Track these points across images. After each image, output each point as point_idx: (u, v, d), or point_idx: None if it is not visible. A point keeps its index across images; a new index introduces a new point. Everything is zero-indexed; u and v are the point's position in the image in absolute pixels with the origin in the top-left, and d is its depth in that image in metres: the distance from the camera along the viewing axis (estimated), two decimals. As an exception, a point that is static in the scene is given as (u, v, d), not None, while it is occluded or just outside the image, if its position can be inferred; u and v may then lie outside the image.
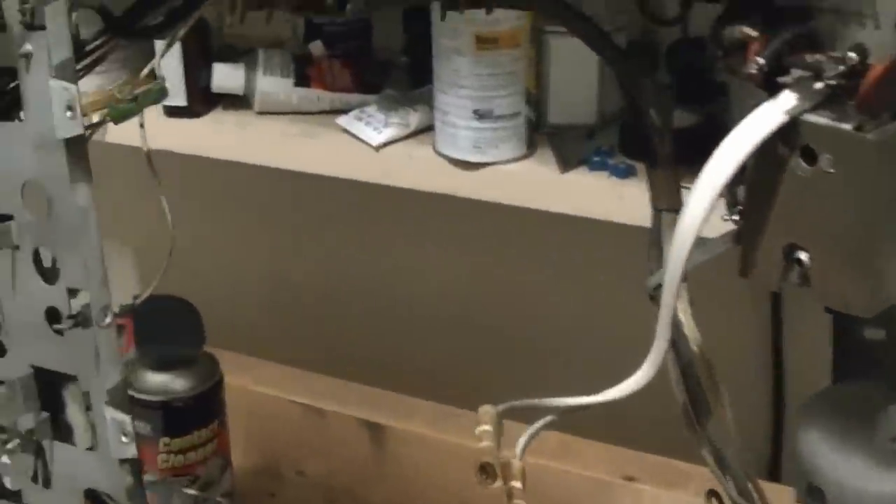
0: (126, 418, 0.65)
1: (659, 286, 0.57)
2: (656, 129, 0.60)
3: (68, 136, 0.59)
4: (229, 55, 1.15)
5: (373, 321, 1.37)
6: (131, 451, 0.65)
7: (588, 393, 0.64)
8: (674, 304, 0.54)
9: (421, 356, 1.34)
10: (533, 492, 1.13)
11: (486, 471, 0.63)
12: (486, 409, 0.66)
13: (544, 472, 1.13)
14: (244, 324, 1.36)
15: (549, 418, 0.66)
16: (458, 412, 1.22)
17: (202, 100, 1.12)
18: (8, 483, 0.77)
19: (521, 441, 0.66)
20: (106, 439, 0.67)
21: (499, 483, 0.63)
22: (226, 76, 1.10)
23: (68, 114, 0.59)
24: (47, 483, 0.73)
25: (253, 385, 1.27)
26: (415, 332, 1.35)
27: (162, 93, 0.61)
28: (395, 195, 1.05)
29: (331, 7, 0.54)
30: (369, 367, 1.31)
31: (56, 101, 0.59)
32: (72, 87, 0.59)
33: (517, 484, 0.63)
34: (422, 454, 1.15)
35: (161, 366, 1.02)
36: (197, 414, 1.03)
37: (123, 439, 0.65)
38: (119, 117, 0.61)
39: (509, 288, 1.27)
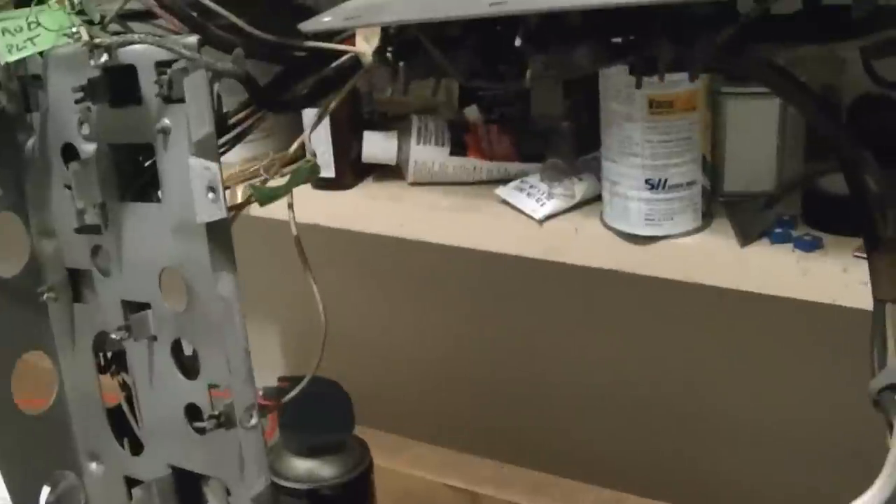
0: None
1: (885, 388, 0.50)
2: (878, 208, 0.52)
3: (210, 219, 0.54)
4: (379, 123, 1.09)
5: (533, 401, 1.32)
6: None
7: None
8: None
9: (585, 437, 1.28)
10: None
11: None
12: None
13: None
14: (395, 403, 1.32)
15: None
16: (622, 498, 1.16)
17: (352, 171, 1.06)
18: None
19: None
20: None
21: None
22: (377, 146, 1.05)
23: (210, 196, 0.54)
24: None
25: (404, 467, 1.24)
26: (578, 412, 1.29)
27: (314, 171, 0.56)
28: (559, 270, 0.98)
29: (509, 74, 0.47)
30: (528, 449, 1.26)
31: (196, 181, 0.54)
32: (213, 165, 0.53)
33: None
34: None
35: (308, 451, 0.99)
36: (346, 502, 0.98)
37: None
38: (266, 200, 0.55)
39: (683, 369, 1.20)
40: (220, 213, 0.53)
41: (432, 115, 1.08)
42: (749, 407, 1.18)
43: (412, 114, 1.06)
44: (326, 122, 1.01)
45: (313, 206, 1.04)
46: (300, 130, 0.77)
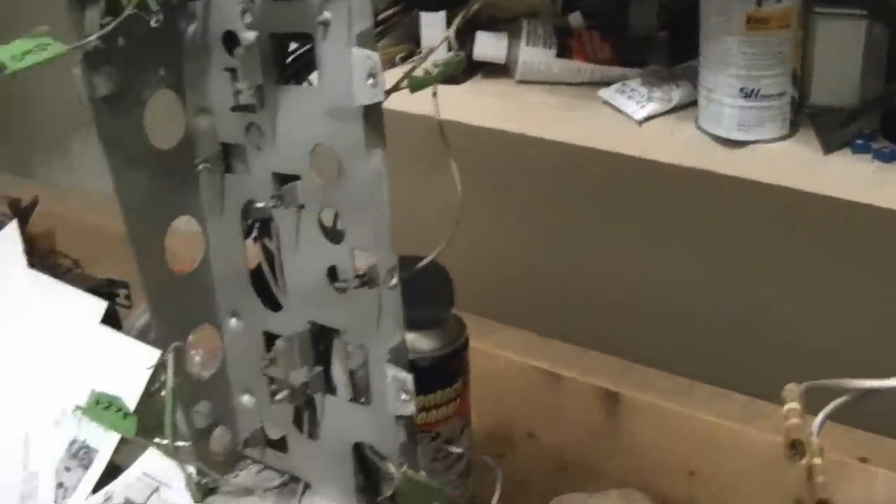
0: (407, 377, 0.67)
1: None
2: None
3: (368, 102, 0.61)
4: (490, 25, 1.15)
5: (621, 295, 1.37)
6: (410, 409, 0.67)
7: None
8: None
9: (663, 330, 1.33)
10: (771, 468, 1.13)
11: (795, 447, 0.64)
12: (791, 388, 0.67)
13: (781, 449, 1.12)
14: (492, 290, 1.37)
15: (842, 399, 0.66)
16: (695, 385, 1.22)
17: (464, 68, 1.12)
18: (272, 433, 0.80)
19: (818, 419, 0.68)
20: (380, 395, 0.69)
21: (806, 460, 0.63)
22: (488, 45, 1.11)
23: (370, 81, 0.60)
24: (314, 435, 0.76)
25: (494, 348, 1.29)
26: (662, 308, 1.34)
27: (461, 64, 0.63)
28: (652, 169, 1.04)
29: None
30: (609, 338, 1.31)
31: (358, 68, 0.61)
32: (374, 55, 0.60)
33: (818, 461, 0.64)
34: (656, 427, 1.15)
35: (410, 325, 1.03)
36: (441, 374, 1.04)
37: (403, 397, 0.67)
38: (417, 87, 0.63)
39: (759, 268, 1.25)
40: (378, 97, 0.61)
41: (539, 19, 1.14)
42: (816, 313, 1.23)
43: (521, 17, 1.12)
44: (443, 21, 1.08)
45: (424, 99, 1.10)
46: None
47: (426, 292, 1.03)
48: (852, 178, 0.95)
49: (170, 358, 0.68)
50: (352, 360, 0.72)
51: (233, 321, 0.78)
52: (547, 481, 1.06)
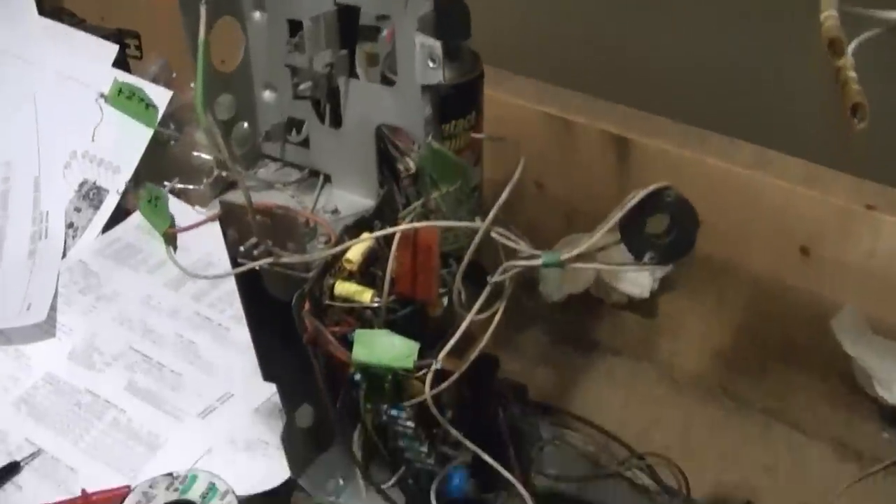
0: (436, 44, 0.67)
1: None
2: None
3: None
4: None
5: (635, 48, 1.36)
6: (437, 77, 0.68)
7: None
8: None
9: (678, 86, 1.32)
10: (776, 213, 1.14)
11: (834, 46, 0.65)
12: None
13: (793, 198, 1.13)
14: (506, 40, 1.35)
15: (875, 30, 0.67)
16: (704, 133, 1.23)
17: None
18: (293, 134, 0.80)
19: (852, 45, 0.69)
20: (406, 71, 0.69)
21: (843, 60, 0.64)
22: None
23: None
24: (337, 123, 0.77)
25: (506, 95, 1.30)
26: (675, 62, 1.33)
27: None
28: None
29: None
30: (620, 86, 1.31)
31: None
32: None
33: (852, 73, 0.67)
34: (666, 174, 1.15)
35: None
36: (457, 103, 1.04)
37: (431, 65, 0.67)
38: None
39: (774, 22, 1.24)
40: None
41: None
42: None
43: None
44: None
45: None
46: None
47: (444, 21, 1.03)
48: None
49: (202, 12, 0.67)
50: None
51: (256, 13, 0.78)
52: (554, 230, 1.06)
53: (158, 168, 1.28)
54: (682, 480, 0.87)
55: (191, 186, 1.29)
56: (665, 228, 0.68)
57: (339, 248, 0.70)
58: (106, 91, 0.78)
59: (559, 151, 1.28)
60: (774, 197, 1.16)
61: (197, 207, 1.17)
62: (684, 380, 1.07)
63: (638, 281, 1.13)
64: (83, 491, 0.94)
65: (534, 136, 1.28)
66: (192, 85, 0.68)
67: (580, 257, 0.69)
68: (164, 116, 1.28)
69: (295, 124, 0.80)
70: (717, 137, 1.22)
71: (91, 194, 1.30)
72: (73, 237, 1.27)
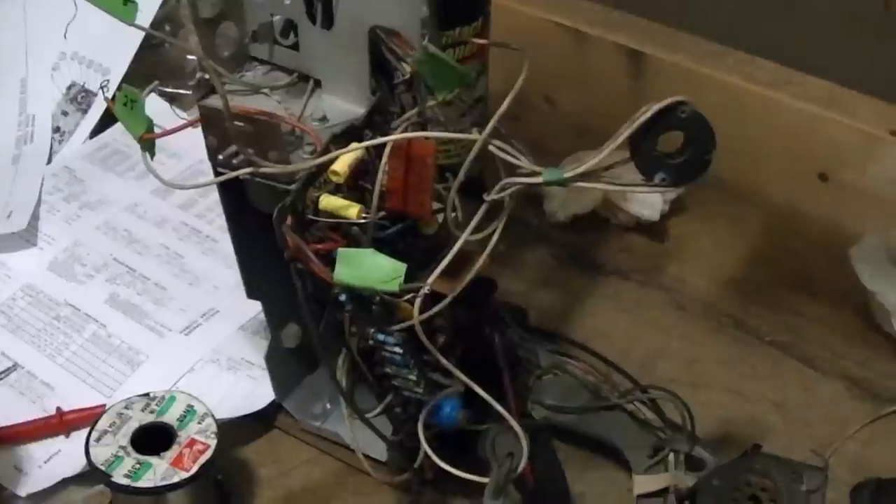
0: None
1: None
2: None
3: None
4: None
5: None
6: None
7: None
8: None
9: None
10: (795, 136, 1.09)
11: None
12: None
13: (814, 120, 1.09)
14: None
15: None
16: (725, 50, 1.18)
17: None
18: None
19: None
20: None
21: None
22: None
23: None
24: (329, 22, 0.72)
25: (516, 3, 1.24)
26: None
27: None
28: None
29: None
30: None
31: None
32: None
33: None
34: (682, 91, 1.11)
35: None
36: (463, 7, 0.99)
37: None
38: None
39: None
40: None
41: None
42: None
43: None
44: None
45: None
46: None
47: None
48: None
49: None
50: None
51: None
52: (565, 148, 1.02)
53: (153, 72, 1.23)
54: (686, 416, 0.83)
55: (182, 91, 1.24)
56: (678, 147, 0.63)
57: (324, 159, 0.65)
58: (83, -16, 0.72)
59: (572, 65, 1.23)
60: (794, 119, 1.10)
61: (180, 111, 1.13)
62: (692, 308, 1.03)
63: (648, 202, 1.09)
64: (58, 409, 0.90)
65: (546, 46, 1.22)
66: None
67: (585, 176, 0.64)
68: (158, 19, 1.23)
69: (286, 26, 0.75)
70: (737, 54, 1.16)
71: (79, 97, 1.25)
72: (60, 142, 1.22)
